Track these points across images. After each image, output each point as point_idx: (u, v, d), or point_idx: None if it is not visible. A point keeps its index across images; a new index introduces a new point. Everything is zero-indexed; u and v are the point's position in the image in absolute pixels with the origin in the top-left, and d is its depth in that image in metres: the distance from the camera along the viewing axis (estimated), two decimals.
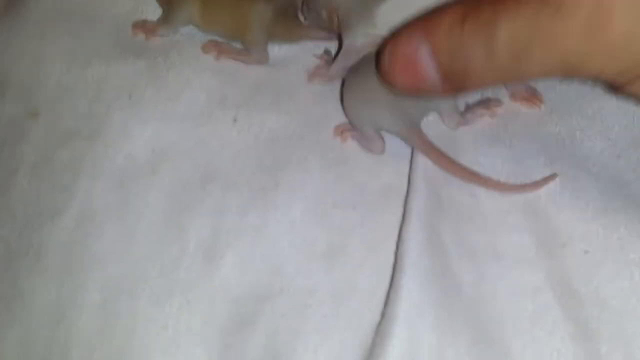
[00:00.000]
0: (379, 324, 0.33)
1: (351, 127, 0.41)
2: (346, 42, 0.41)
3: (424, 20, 0.29)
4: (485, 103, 0.41)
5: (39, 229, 0.38)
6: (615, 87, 0.29)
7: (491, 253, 0.36)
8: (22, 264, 0.37)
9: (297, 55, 0.45)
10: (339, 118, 0.41)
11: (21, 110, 0.42)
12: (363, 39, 0.40)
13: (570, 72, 0.28)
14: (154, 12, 0.46)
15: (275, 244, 0.37)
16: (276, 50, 0.45)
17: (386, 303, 0.33)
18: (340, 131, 0.41)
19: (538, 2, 0.26)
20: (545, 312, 0.34)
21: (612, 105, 0.41)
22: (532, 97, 0.41)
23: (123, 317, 0.35)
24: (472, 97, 0.41)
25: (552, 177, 0.37)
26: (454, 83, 0.30)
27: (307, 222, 0.38)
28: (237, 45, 0.44)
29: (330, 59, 0.44)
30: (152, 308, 0.35)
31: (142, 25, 0.44)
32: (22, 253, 0.37)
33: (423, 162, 0.38)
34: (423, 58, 0.29)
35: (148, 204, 0.38)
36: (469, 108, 0.41)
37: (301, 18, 0.45)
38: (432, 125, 0.40)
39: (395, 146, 0.40)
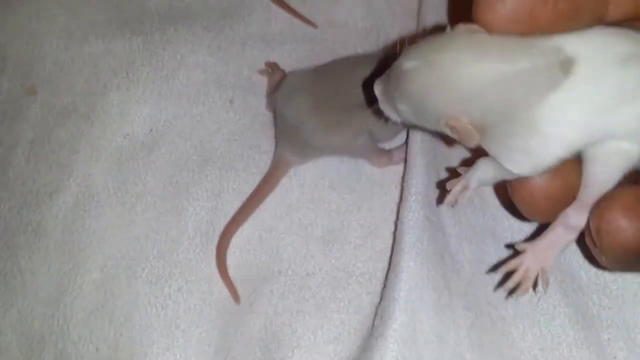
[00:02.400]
0: (379, 306, 0.34)
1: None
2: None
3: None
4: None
5: (37, 207, 0.38)
6: None
7: (490, 236, 0.37)
8: (21, 241, 0.38)
9: (294, 34, 0.45)
10: None
11: (19, 87, 0.42)
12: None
13: None
14: None
15: (273, 226, 0.38)
16: (271, 26, 0.45)
17: (386, 285, 0.34)
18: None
19: None
20: (546, 297, 0.35)
21: None
22: None
23: (122, 297, 0.36)
24: None
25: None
26: None
27: (304, 206, 0.39)
28: None
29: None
30: (151, 288, 0.36)
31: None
32: (21, 231, 0.38)
33: (420, 143, 0.38)
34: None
35: (146, 184, 0.39)
36: None
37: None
38: None
39: None
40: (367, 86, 0.36)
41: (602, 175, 0.26)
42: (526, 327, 0.34)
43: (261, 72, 0.43)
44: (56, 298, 0.36)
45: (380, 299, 0.34)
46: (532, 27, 0.25)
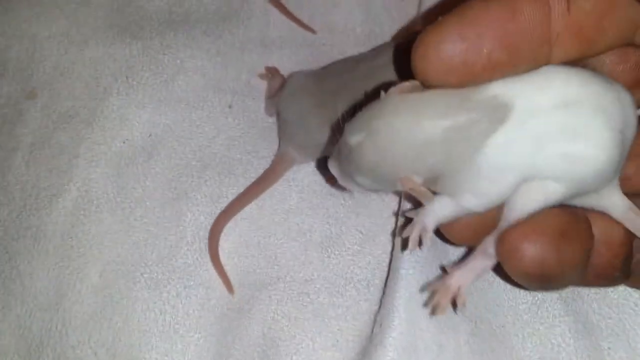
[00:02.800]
0: (378, 313, 0.34)
1: None
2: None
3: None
4: None
5: (37, 211, 0.39)
6: None
7: None
8: (21, 246, 0.38)
9: (293, 39, 0.46)
10: None
11: (19, 91, 0.42)
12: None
13: None
14: None
15: (271, 232, 0.38)
16: (270, 31, 0.46)
17: (385, 292, 0.34)
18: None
19: None
20: (545, 305, 0.35)
21: None
22: None
23: (121, 302, 0.36)
24: None
25: None
26: None
27: (302, 212, 0.39)
28: None
29: None
30: (150, 293, 0.36)
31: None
32: (20, 235, 0.38)
33: None
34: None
35: (145, 189, 0.39)
36: None
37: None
38: None
39: None
40: (323, 166, 0.37)
41: (522, 209, 0.27)
42: (526, 335, 0.35)
43: (261, 76, 0.43)
44: (55, 302, 0.36)
45: (380, 307, 0.35)
46: (468, 77, 0.25)
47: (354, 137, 0.27)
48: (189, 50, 0.44)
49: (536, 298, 0.35)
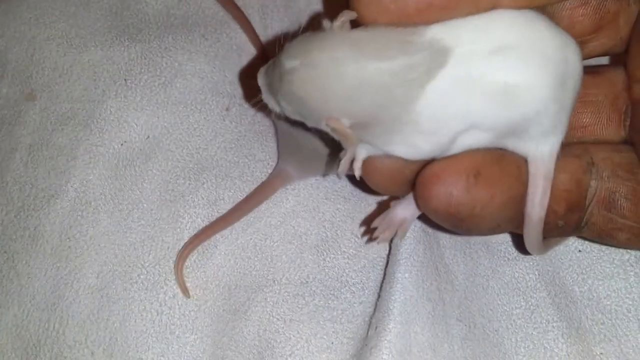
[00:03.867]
0: (374, 316, 0.35)
1: None
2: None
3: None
4: None
5: (35, 212, 0.39)
6: None
7: (484, 248, 0.38)
8: (19, 246, 0.38)
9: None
10: None
11: (18, 93, 0.43)
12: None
13: None
14: None
15: (267, 235, 0.39)
16: (268, 34, 0.46)
17: (380, 295, 0.35)
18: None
19: None
20: (539, 310, 0.36)
21: None
22: None
23: (118, 302, 0.37)
24: None
25: None
26: None
27: (299, 215, 0.40)
28: None
29: None
30: (146, 294, 0.37)
31: None
32: (18, 235, 0.39)
33: None
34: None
35: (143, 191, 0.40)
36: None
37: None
38: None
39: None
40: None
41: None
42: (519, 340, 0.35)
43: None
44: (52, 302, 0.37)
45: (375, 310, 0.35)
46: (401, 18, 0.25)
47: (289, 61, 0.26)
48: (187, 54, 0.44)
49: (530, 303, 0.36)
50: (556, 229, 0.30)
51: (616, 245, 0.33)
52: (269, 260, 0.39)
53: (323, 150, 0.38)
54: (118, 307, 0.37)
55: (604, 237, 0.31)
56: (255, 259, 0.39)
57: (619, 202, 0.30)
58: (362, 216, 0.40)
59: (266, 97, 0.30)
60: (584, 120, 0.30)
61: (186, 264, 0.38)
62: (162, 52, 0.44)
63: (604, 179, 0.30)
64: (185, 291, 0.37)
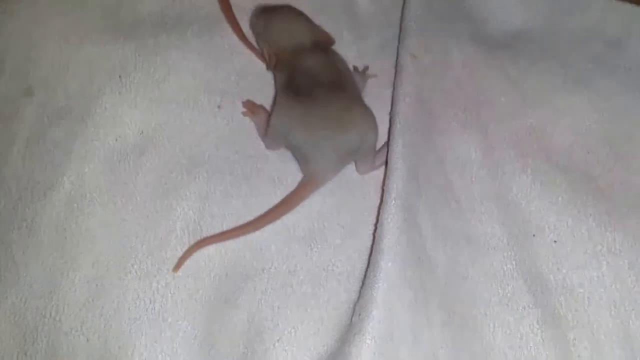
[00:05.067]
0: (357, 303, 0.36)
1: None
2: None
3: None
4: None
5: (32, 203, 0.41)
6: None
7: (464, 238, 0.40)
8: (16, 236, 0.40)
9: None
10: None
11: (16, 89, 0.44)
12: None
13: None
14: None
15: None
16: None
17: (364, 284, 0.37)
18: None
19: None
20: (515, 298, 0.38)
21: (584, 99, 0.45)
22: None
23: (113, 291, 0.38)
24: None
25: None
26: None
27: None
28: None
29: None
30: (140, 283, 0.39)
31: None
32: (15, 226, 0.40)
33: (401, 147, 0.41)
34: None
35: (137, 184, 0.42)
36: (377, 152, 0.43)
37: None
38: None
39: None
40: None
41: None
42: (496, 326, 0.37)
43: (244, 114, 0.45)
44: (49, 291, 0.38)
45: (359, 297, 0.37)
46: None
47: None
48: (181, 52, 0.46)
49: (507, 291, 0.38)
50: None
51: None
52: (258, 251, 0.40)
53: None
54: (112, 296, 0.38)
55: None
56: (245, 249, 0.40)
57: None
58: (348, 208, 0.42)
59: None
60: None
61: (178, 254, 0.40)
62: (156, 50, 0.46)
63: None
64: (177, 268, 0.39)
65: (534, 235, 0.40)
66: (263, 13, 0.46)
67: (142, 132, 0.43)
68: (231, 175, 0.43)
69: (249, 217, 0.41)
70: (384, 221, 0.38)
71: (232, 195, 0.42)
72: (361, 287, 0.38)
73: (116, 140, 0.43)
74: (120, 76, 0.45)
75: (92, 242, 0.40)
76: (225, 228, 0.41)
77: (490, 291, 0.38)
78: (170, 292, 0.39)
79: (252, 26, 0.47)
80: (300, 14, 0.46)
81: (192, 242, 0.40)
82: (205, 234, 0.41)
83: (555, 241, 0.40)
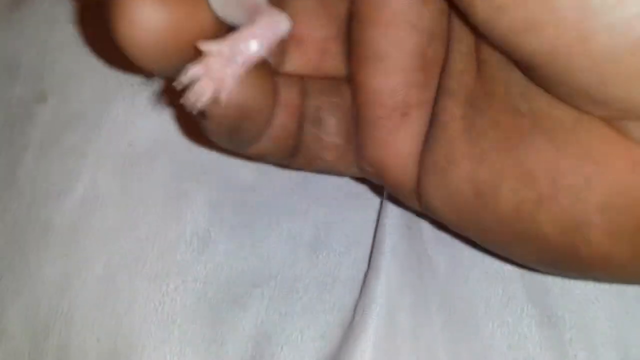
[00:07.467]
0: (358, 304, 0.38)
1: None
2: None
3: None
4: None
5: (45, 206, 0.42)
6: None
7: (466, 240, 0.41)
8: (30, 237, 0.41)
9: None
10: None
11: (30, 94, 0.46)
12: None
13: None
14: None
15: (264, 236, 0.43)
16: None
17: (365, 284, 0.39)
18: None
19: None
20: (514, 299, 0.39)
21: None
22: None
23: (123, 292, 0.40)
24: None
25: None
26: None
27: (292, 217, 0.43)
28: None
29: None
30: (150, 285, 0.40)
31: None
32: (30, 227, 0.42)
33: None
34: None
35: (148, 190, 0.43)
36: None
37: None
38: None
39: None
40: None
41: None
42: (496, 326, 0.39)
43: None
44: (61, 290, 0.40)
45: (360, 297, 0.39)
46: None
47: None
48: None
49: (506, 292, 0.39)
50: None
51: (325, 168, 0.35)
52: (265, 258, 0.42)
53: None
54: (123, 296, 0.40)
55: (313, 161, 0.33)
56: (253, 257, 0.42)
57: (325, 119, 0.32)
58: (351, 216, 0.43)
59: None
60: None
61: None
62: None
63: (310, 96, 0.32)
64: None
65: None
66: None
67: (154, 138, 0.45)
68: (242, 182, 0.44)
69: (256, 226, 0.43)
70: (385, 225, 0.40)
71: (242, 202, 0.44)
72: (362, 287, 0.39)
73: (128, 146, 0.45)
74: (132, 83, 0.47)
75: (103, 244, 0.42)
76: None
77: (490, 292, 0.40)
78: (180, 295, 0.40)
79: None
80: None
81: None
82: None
83: None
